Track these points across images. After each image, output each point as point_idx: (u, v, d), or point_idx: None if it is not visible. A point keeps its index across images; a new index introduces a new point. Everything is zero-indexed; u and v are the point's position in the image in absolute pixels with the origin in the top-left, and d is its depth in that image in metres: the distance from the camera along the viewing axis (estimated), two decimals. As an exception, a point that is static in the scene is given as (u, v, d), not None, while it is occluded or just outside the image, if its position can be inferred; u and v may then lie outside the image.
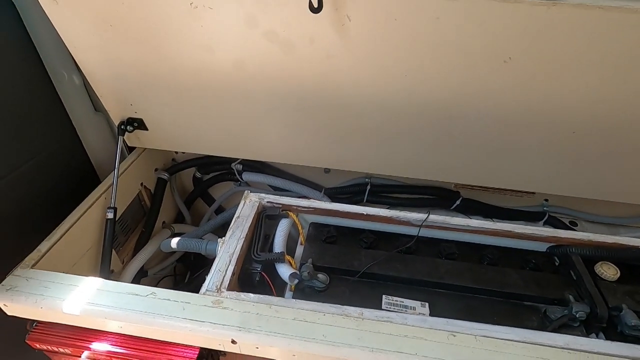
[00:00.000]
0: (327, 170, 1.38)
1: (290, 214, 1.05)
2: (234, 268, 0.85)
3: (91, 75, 1.01)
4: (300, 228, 1.04)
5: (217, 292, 0.79)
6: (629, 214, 1.29)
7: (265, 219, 1.03)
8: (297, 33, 0.76)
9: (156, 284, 1.38)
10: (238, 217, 0.99)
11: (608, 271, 0.91)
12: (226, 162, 1.40)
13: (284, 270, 0.89)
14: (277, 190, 1.43)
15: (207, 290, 0.79)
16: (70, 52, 0.97)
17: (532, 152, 0.92)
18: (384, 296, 0.86)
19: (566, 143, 0.86)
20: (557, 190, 1.03)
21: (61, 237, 0.92)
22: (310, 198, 1.35)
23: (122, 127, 1.09)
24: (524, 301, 0.86)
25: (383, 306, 0.85)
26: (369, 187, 1.33)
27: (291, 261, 0.92)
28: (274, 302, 0.77)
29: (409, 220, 1.00)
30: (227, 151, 1.29)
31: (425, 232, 1.03)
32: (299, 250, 1.00)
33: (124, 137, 1.17)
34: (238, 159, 1.38)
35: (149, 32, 0.84)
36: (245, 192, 1.07)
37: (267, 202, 1.05)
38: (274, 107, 1.02)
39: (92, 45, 0.93)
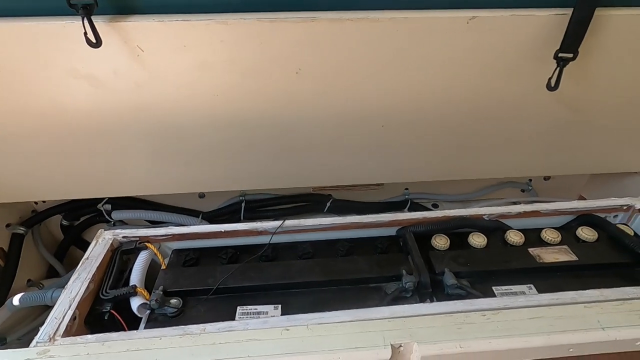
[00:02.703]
0: (201, 195, 1.38)
1: (149, 245, 1.03)
2: (74, 312, 0.81)
3: None
4: (160, 258, 1.03)
5: (50, 341, 0.75)
6: (475, 189, 1.48)
7: (122, 255, 1.01)
8: (97, 67, 0.77)
9: (30, 349, 1.25)
10: (86, 258, 0.95)
11: (440, 242, 1.03)
12: (93, 203, 1.34)
13: (135, 303, 0.87)
14: (154, 223, 1.40)
15: (37, 342, 0.75)
16: None
17: (359, 148, 1.02)
18: (238, 307, 0.88)
19: (380, 136, 0.98)
20: (395, 179, 1.15)
21: None
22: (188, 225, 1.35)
23: (-55, 185, 1.00)
24: (370, 284, 0.94)
25: (237, 317, 0.87)
26: (243, 204, 1.36)
27: (144, 293, 0.91)
28: (113, 338, 0.75)
29: (266, 229, 1.05)
30: (89, 192, 1.24)
31: (286, 238, 1.08)
32: (158, 280, 0.99)
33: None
34: (105, 198, 1.33)
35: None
36: (99, 231, 1.04)
37: (123, 237, 1.03)
38: (115, 140, 1.01)
39: None
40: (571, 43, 0.76)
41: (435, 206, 1.53)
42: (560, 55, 0.79)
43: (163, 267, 1.02)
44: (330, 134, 0.96)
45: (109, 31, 0.71)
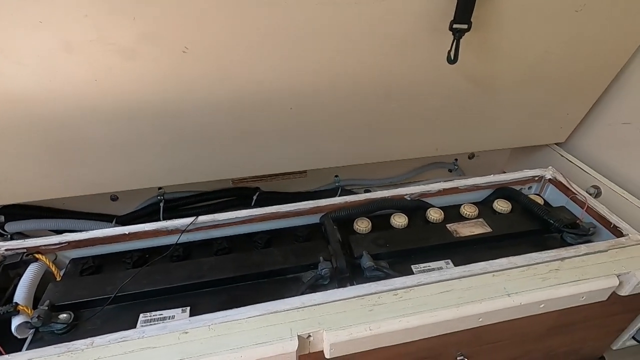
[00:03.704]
0: (113, 197, 1.26)
1: (39, 256, 0.91)
2: None
3: None
4: (55, 269, 0.91)
5: None
6: (404, 172, 1.49)
7: (6, 271, 0.88)
8: None
9: None
10: (-43, 278, 0.82)
11: (361, 225, 1.01)
12: (-18, 216, 1.18)
13: (14, 323, 0.76)
14: (62, 233, 1.26)
15: None
16: None
17: (271, 133, 0.97)
18: (141, 314, 0.80)
19: (291, 120, 0.93)
20: (317, 165, 1.11)
21: None
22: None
23: None
24: (287, 274, 0.90)
25: (139, 325, 0.78)
26: (162, 203, 1.26)
27: (27, 311, 0.79)
28: (-23, 367, 0.65)
29: (177, 227, 0.97)
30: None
31: (202, 235, 1.01)
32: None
33: None
34: (-3, 208, 1.18)
35: None
36: (-22, 245, 0.90)
37: (6, 249, 0.90)
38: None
39: None
40: (462, 13, 0.76)
41: (368, 192, 1.52)
42: (455, 26, 0.78)
43: (58, 279, 0.91)
44: (235, 119, 0.90)
45: (-62, 5, 0.60)
